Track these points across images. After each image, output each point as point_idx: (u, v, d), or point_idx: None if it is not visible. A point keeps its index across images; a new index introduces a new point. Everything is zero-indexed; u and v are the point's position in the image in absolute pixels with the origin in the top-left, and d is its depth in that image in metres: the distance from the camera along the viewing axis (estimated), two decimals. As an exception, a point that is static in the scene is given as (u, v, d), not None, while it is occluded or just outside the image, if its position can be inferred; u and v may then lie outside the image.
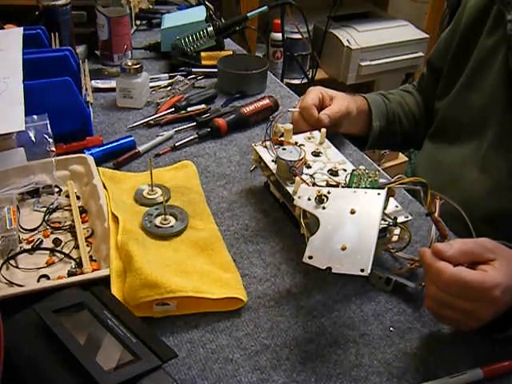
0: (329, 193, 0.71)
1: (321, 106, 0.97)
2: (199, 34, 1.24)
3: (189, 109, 1.09)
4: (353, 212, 0.68)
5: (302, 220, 0.72)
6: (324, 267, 0.63)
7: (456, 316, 0.63)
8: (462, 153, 0.95)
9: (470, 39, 0.96)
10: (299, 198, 0.72)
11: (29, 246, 0.76)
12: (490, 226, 0.78)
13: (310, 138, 0.89)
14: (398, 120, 1.11)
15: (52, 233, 0.79)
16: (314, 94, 0.98)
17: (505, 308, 0.63)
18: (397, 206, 0.75)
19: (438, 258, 0.62)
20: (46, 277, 0.72)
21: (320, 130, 0.88)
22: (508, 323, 0.64)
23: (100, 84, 1.17)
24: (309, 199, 0.71)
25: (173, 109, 1.08)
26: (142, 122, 1.05)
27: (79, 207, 0.82)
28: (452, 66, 1.01)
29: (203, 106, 1.10)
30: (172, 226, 0.79)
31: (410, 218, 0.74)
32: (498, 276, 0.61)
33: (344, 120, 0.99)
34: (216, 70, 1.23)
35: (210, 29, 1.23)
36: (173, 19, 1.35)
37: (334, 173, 0.81)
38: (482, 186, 0.90)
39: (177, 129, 1.04)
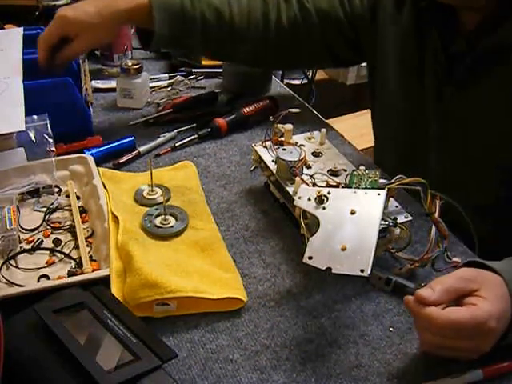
0: (329, 193, 0.71)
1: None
2: (199, 34, 1.24)
3: (189, 109, 1.09)
4: (353, 212, 0.68)
5: (302, 220, 0.72)
6: (324, 268, 0.63)
7: (456, 354, 0.62)
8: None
9: None
10: (299, 198, 0.72)
11: (29, 246, 0.76)
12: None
13: (310, 139, 0.89)
14: (202, 21, 0.96)
15: (52, 233, 0.79)
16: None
17: (503, 334, 0.61)
18: (397, 206, 0.75)
19: (423, 304, 0.60)
20: (46, 277, 0.72)
21: (320, 131, 0.88)
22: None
23: (100, 84, 1.17)
24: (309, 199, 0.71)
25: (171, 110, 1.09)
26: (140, 120, 1.05)
27: (79, 207, 0.82)
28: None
29: (203, 106, 1.10)
30: (172, 226, 0.79)
31: (410, 218, 0.74)
32: (487, 306, 0.59)
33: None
34: (216, 70, 1.23)
35: (210, 29, 1.23)
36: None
37: (334, 173, 0.81)
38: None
39: (178, 130, 1.04)
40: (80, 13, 0.90)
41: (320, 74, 2.19)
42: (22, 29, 1.04)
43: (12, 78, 0.90)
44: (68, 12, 0.91)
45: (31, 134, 0.87)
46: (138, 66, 1.08)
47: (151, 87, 1.16)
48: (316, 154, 0.86)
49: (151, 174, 0.83)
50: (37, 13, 1.15)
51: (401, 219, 0.73)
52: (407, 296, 0.62)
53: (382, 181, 0.74)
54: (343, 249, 0.64)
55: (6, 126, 0.84)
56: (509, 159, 0.84)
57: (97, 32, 0.93)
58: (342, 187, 0.75)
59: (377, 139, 1.11)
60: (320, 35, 1.01)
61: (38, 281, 0.71)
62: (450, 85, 0.87)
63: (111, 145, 0.96)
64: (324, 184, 0.77)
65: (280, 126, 0.87)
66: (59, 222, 0.80)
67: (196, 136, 1.01)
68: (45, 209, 0.82)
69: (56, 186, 0.86)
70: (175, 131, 1.03)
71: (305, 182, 0.76)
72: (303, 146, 0.84)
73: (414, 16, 0.90)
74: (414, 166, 0.79)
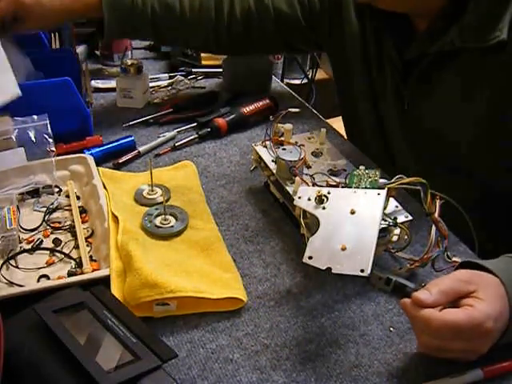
0: (329, 193, 0.71)
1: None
2: (199, 33, 1.24)
3: (189, 109, 1.09)
4: (353, 212, 0.68)
5: (301, 220, 0.72)
6: (324, 267, 0.63)
7: (454, 355, 0.62)
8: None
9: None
10: (299, 198, 0.72)
11: (29, 246, 0.76)
12: None
13: (310, 138, 0.89)
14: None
15: (52, 233, 0.79)
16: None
17: (501, 334, 0.61)
18: (397, 206, 0.75)
19: (420, 307, 0.60)
20: (46, 277, 0.72)
21: (320, 130, 0.88)
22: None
23: (100, 84, 1.17)
24: (309, 199, 0.71)
25: (171, 110, 1.09)
26: (140, 120, 1.05)
27: (79, 207, 0.82)
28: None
29: (203, 106, 1.10)
30: (172, 226, 0.79)
31: (409, 218, 0.74)
32: (485, 308, 0.59)
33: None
34: (216, 69, 1.23)
35: (210, 29, 1.23)
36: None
37: (333, 173, 0.81)
38: None
39: (178, 129, 1.04)
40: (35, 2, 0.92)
41: (320, 74, 2.18)
42: None
43: None
44: None
45: (31, 134, 0.87)
46: (138, 66, 1.08)
47: (151, 87, 1.16)
48: (316, 154, 0.86)
49: (151, 173, 0.83)
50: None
51: (401, 219, 0.73)
52: (404, 299, 0.62)
53: (381, 180, 0.74)
54: (343, 249, 0.64)
55: (1, 97, 0.82)
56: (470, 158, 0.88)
57: (46, 22, 0.95)
58: (342, 187, 0.75)
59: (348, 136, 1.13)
60: (275, 30, 1.04)
61: (38, 281, 0.71)
62: (407, 89, 0.91)
63: (111, 145, 0.96)
64: (324, 184, 0.77)
65: (280, 125, 0.87)
66: (59, 222, 0.80)
67: (196, 136, 1.01)
68: (45, 209, 0.82)
69: (56, 186, 0.86)
70: (175, 131, 1.03)
71: (305, 181, 0.76)
72: (303, 145, 0.84)
73: (372, 22, 0.94)
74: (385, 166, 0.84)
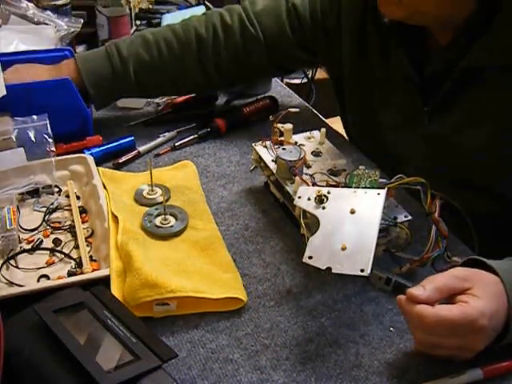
0: (329, 193, 0.71)
1: None
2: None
3: (189, 109, 1.09)
4: (353, 212, 0.68)
5: (301, 220, 0.71)
6: (324, 267, 0.63)
7: (450, 352, 0.62)
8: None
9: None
10: (299, 198, 0.72)
11: (29, 246, 0.76)
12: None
13: (309, 138, 0.89)
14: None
15: (52, 233, 0.79)
16: None
17: (496, 333, 0.61)
18: (397, 206, 0.75)
19: (415, 303, 0.60)
20: (46, 277, 0.72)
21: (320, 130, 0.88)
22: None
23: (100, 84, 1.17)
24: (309, 199, 0.71)
25: (171, 110, 1.08)
26: (140, 120, 1.05)
27: (79, 207, 0.82)
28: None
29: (203, 106, 1.10)
30: (172, 226, 0.79)
31: (409, 217, 0.74)
32: (479, 305, 0.59)
33: None
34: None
35: (210, 28, 1.23)
36: (173, 19, 1.35)
37: (333, 173, 0.81)
38: None
39: (178, 129, 1.04)
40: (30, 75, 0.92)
41: (320, 74, 2.17)
42: None
43: None
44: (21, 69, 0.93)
45: (31, 134, 0.87)
46: (137, 66, 1.08)
47: (151, 87, 1.16)
48: (316, 154, 0.85)
49: (151, 173, 0.83)
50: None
51: (401, 219, 0.73)
52: (400, 295, 0.62)
53: (381, 180, 0.74)
54: (343, 248, 0.64)
55: None
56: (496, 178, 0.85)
57: None
58: (342, 187, 0.75)
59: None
60: (267, 60, 1.01)
61: (38, 281, 0.71)
62: (428, 106, 0.87)
63: (111, 145, 0.96)
64: (324, 184, 0.77)
65: (280, 125, 0.86)
66: (59, 222, 0.80)
67: (196, 136, 1.01)
68: (45, 209, 0.82)
69: (56, 186, 0.86)
70: (175, 131, 1.03)
71: (305, 181, 0.76)
72: (303, 145, 0.84)
73: (378, 37, 0.90)
74: None
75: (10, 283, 0.70)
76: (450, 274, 0.62)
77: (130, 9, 1.32)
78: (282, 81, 1.39)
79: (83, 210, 0.82)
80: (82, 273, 0.71)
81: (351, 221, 0.67)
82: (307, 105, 1.18)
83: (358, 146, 1.01)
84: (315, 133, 0.90)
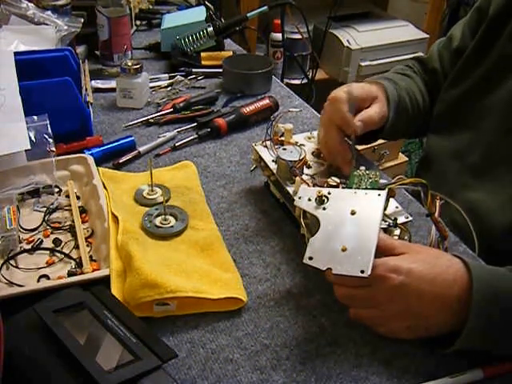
0: (329, 193, 0.71)
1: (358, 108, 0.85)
2: (199, 34, 1.24)
3: (189, 109, 1.09)
4: (353, 213, 0.68)
5: (302, 220, 0.72)
6: (324, 268, 0.63)
7: (396, 325, 0.64)
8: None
9: (497, 28, 0.91)
10: (299, 198, 0.72)
11: (29, 246, 0.76)
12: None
13: (310, 138, 0.89)
14: (406, 108, 0.99)
15: (52, 233, 0.79)
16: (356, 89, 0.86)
17: (456, 318, 0.61)
18: (397, 207, 0.75)
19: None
20: (46, 277, 0.72)
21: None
22: (450, 340, 0.62)
23: (100, 84, 1.17)
24: (309, 200, 0.71)
25: (172, 109, 1.09)
26: (139, 120, 1.05)
27: (79, 207, 0.82)
28: (472, 54, 0.94)
29: (203, 106, 1.10)
30: (172, 226, 0.79)
31: (410, 218, 0.74)
32: (397, 262, 0.62)
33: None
34: (216, 70, 1.23)
35: (210, 29, 1.23)
36: (173, 19, 1.35)
37: (334, 173, 0.81)
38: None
39: (178, 129, 1.04)
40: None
41: (320, 74, 2.18)
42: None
43: (8, 90, 0.87)
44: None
45: (31, 134, 0.87)
46: (137, 66, 1.08)
47: (151, 87, 1.16)
48: (316, 154, 0.86)
49: (151, 173, 0.83)
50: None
51: (401, 220, 0.73)
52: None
53: (382, 181, 0.74)
54: (343, 249, 0.64)
55: (11, 145, 0.82)
56: None
57: None
58: (343, 187, 0.75)
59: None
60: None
61: (38, 281, 0.71)
62: None
63: (111, 145, 0.96)
64: (324, 184, 0.77)
65: (280, 125, 0.87)
66: (59, 222, 0.80)
67: (196, 136, 1.01)
68: (45, 209, 0.82)
69: (56, 186, 0.86)
70: (175, 131, 1.03)
71: (305, 181, 0.76)
72: (303, 145, 0.84)
73: None
74: None
75: (10, 283, 0.70)
76: (399, 240, 0.66)
77: (130, 9, 1.33)
78: (282, 81, 1.39)
79: (83, 210, 0.82)
80: (82, 273, 0.71)
81: (352, 222, 0.67)
82: (307, 105, 1.18)
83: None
84: (315, 133, 0.90)
